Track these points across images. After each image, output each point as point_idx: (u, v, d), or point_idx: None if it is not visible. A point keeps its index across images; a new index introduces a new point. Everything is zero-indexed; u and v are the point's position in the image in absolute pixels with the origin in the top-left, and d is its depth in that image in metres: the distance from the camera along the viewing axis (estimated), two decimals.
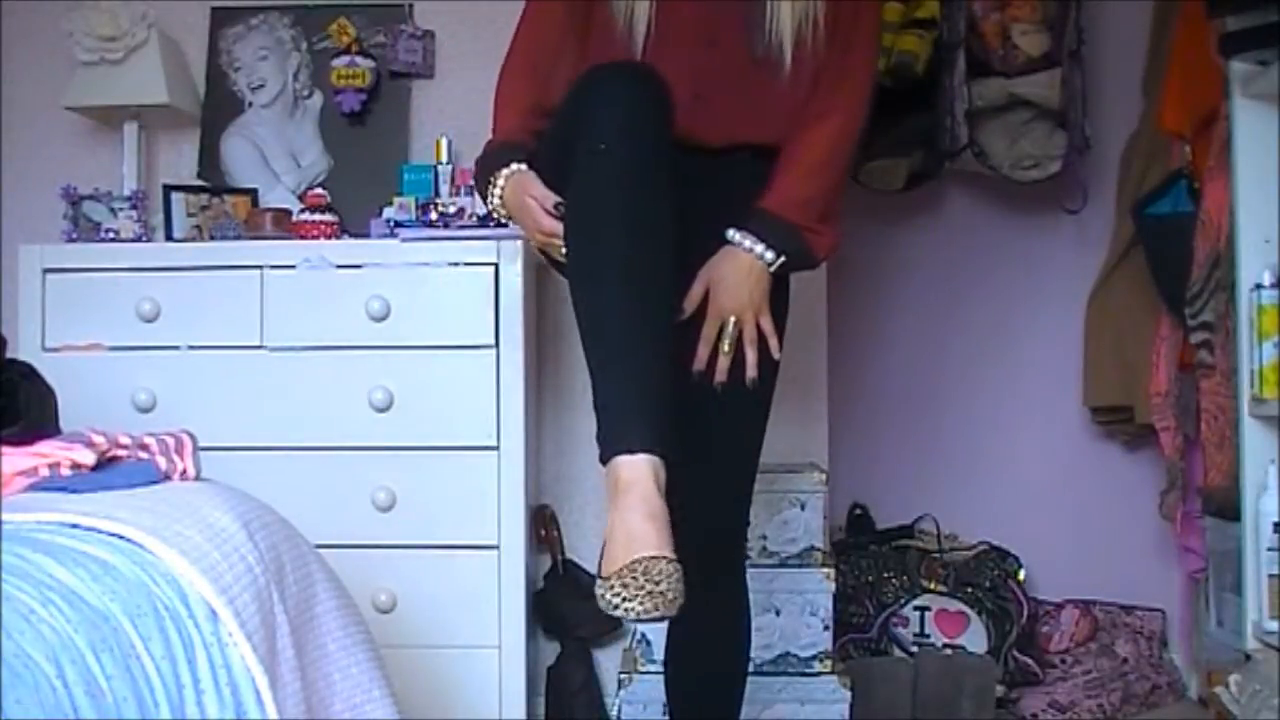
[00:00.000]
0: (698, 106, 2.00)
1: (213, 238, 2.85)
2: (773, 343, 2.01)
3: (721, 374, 1.97)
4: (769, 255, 1.98)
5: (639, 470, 1.65)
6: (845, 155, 2.08)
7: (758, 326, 1.99)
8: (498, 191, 1.99)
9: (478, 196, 2.78)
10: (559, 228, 1.85)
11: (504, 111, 2.07)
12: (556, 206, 1.86)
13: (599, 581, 1.62)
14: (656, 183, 1.78)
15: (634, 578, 1.58)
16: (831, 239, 2.06)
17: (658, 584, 1.57)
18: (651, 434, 1.67)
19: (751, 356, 1.98)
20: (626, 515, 1.62)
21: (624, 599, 1.57)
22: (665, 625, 2.18)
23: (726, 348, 1.96)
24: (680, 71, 1.97)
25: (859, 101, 2.08)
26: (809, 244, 2.03)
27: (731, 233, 1.99)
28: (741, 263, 1.98)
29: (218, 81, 3.12)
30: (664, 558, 1.59)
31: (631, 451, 1.65)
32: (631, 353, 1.71)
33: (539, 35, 2.10)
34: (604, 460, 1.68)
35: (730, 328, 1.97)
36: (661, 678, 2.21)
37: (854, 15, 2.04)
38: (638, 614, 1.57)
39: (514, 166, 1.97)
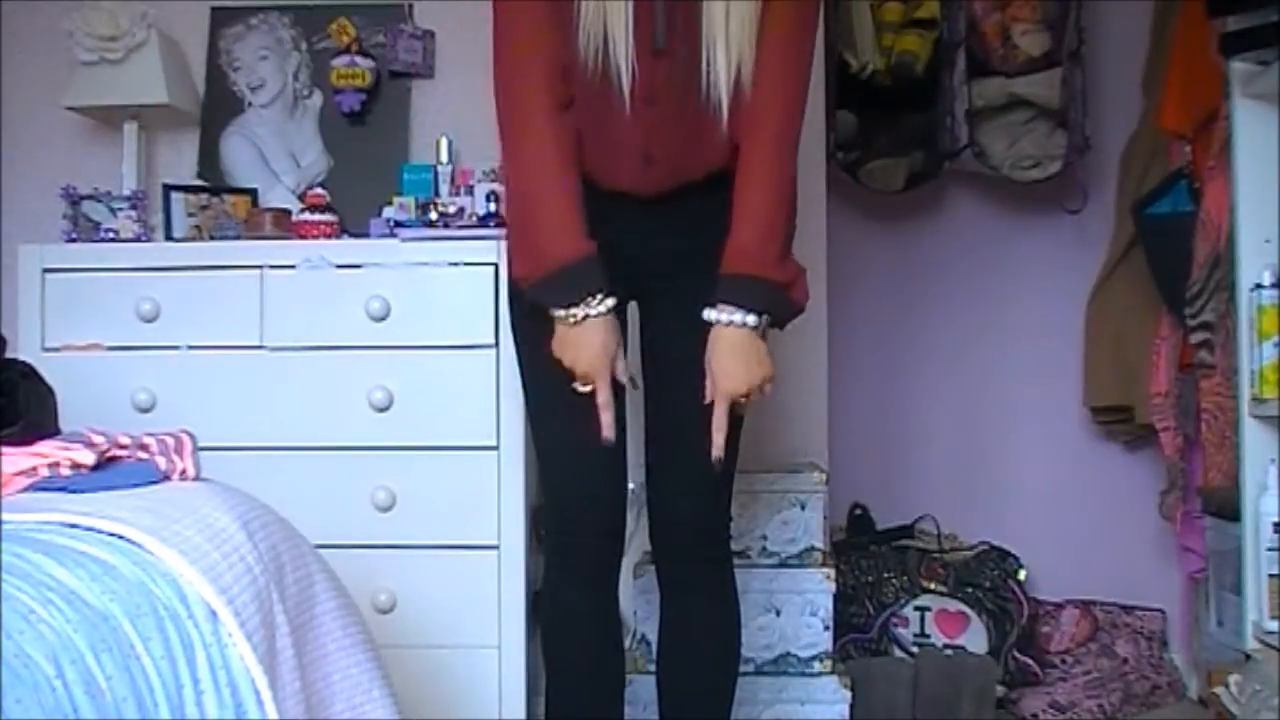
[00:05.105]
0: (648, 168, 1.98)
1: (213, 238, 2.84)
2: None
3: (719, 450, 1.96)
4: (750, 320, 1.92)
5: None
6: (791, 178, 1.99)
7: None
8: (579, 315, 1.90)
9: (475, 196, 2.82)
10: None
11: (559, 203, 1.92)
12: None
13: None
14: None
15: None
16: (803, 281, 2.01)
17: None
18: None
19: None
20: None
21: None
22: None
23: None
24: (630, 135, 1.95)
25: (793, 129, 1.98)
26: (788, 295, 1.98)
27: (708, 313, 1.94)
28: (727, 340, 1.93)
29: (218, 81, 3.12)
30: None
31: None
32: None
33: (545, 63, 1.99)
34: None
35: (742, 408, 1.96)
36: None
37: (781, 38, 1.96)
38: None
39: (608, 305, 1.92)
